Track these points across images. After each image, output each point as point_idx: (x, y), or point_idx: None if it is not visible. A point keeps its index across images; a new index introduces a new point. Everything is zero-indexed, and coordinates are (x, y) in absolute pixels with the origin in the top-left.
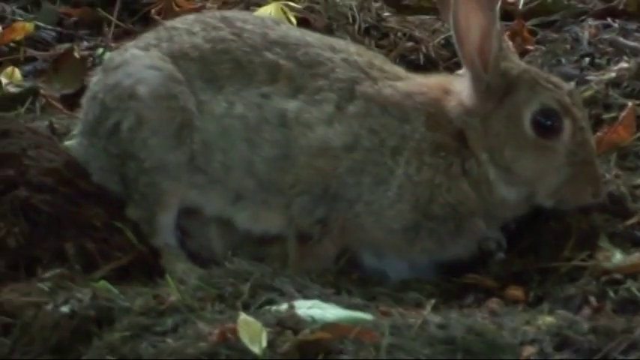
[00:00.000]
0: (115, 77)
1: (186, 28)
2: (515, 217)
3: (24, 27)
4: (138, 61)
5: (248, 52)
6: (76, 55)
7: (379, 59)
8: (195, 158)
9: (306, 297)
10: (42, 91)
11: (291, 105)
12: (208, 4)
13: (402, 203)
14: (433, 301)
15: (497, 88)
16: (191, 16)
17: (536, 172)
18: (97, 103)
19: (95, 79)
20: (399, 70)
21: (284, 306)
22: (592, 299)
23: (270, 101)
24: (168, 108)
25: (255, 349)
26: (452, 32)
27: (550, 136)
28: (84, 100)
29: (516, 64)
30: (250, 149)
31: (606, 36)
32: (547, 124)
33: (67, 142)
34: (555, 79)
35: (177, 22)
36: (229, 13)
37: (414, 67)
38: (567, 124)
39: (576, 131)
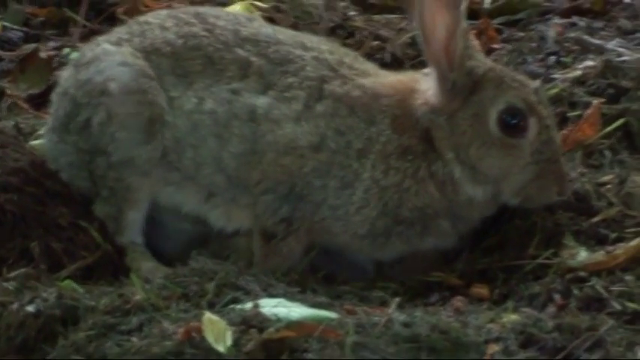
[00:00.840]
0: (86, 73)
1: (159, 23)
2: (483, 217)
3: None
4: (109, 57)
5: (219, 48)
6: (43, 55)
7: (350, 57)
8: (168, 154)
9: (271, 295)
10: (8, 91)
11: (261, 101)
12: (175, 4)
13: (368, 209)
14: (398, 300)
15: (463, 87)
16: (164, 11)
17: (502, 170)
18: (68, 99)
19: (66, 75)
20: (370, 68)
21: (249, 305)
22: (557, 297)
23: (240, 97)
24: (137, 102)
25: (220, 348)
26: (417, 31)
27: (516, 135)
28: (54, 96)
29: (482, 62)
30: (220, 145)
31: (572, 34)
32: (512, 122)
33: (33, 142)
34: (521, 77)
35: (150, 17)
36: (202, 9)
37: (380, 65)
38: (533, 122)
39: (542, 130)
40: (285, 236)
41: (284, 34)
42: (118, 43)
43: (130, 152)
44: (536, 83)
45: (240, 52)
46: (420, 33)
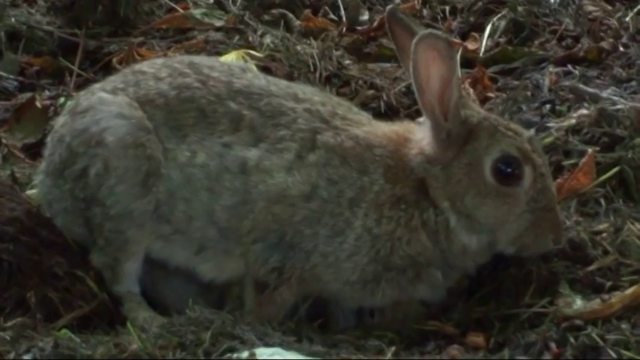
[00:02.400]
0: (82, 122)
1: (153, 73)
2: (476, 265)
3: None
4: (106, 107)
5: (212, 101)
6: (38, 104)
7: (343, 107)
8: (160, 207)
9: (267, 344)
10: (4, 141)
11: (252, 153)
12: (169, 54)
13: (359, 256)
14: (394, 348)
15: (458, 136)
16: (159, 60)
17: (498, 219)
18: (64, 147)
19: (62, 121)
20: (363, 118)
21: (245, 354)
22: (553, 345)
23: (232, 150)
24: (135, 157)
25: None
26: (412, 81)
27: (511, 184)
28: (49, 140)
29: (476, 111)
30: (211, 198)
31: (566, 83)
32: (507, 171)
33: (29, 192)
34: (515, 126)
35: (145, 66)
36: (197, 59)
37: (375, 114)
38: (528, 171)
39: (537, 178)
40: (278, 286)
41: (277, 85)
42: (113, 92)
43: (128, 206)
44: (531, 132)
45: (232, 105)
46: (414, 83)
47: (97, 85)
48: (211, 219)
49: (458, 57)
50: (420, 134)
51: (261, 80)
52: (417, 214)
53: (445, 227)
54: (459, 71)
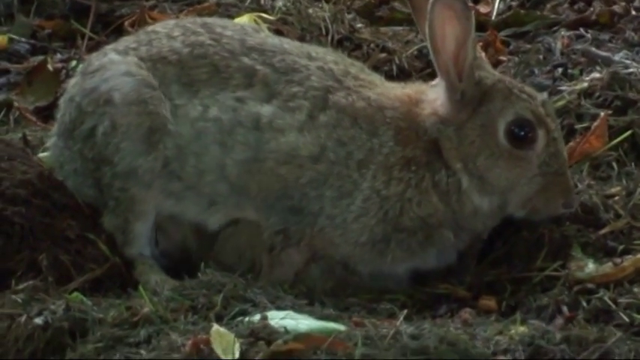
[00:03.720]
0: (92, 82)
1: (166, 33)
2: (487, 228)
3: None
4: (115, 66)
5: (226, 57)
6: (50, 67)
7: (356, 67)
8: (170, 164)
9: (279, 308)
10: (15, 104)
11: (265, 109)
12: (182, 17)
13: (367, 217)
14: (406, 312)
15: (472, 98)
16: (172, 21)
17: (509, 181)
18: (74, 107)
19: (73, 82)
20: (375, 79)
21: (257, 317)
22: (565, 309)
23: (245, 105)
24: (137, 113)
25: None
26: (427, 41)
27: (524, 147)
28: (61, 102)
29: (491, 73)
30: (223, 152)
31: (579, 46)
32: (521, 134)
33: (41, 154)
34: (529, 89)
35: (158, 27)
36: (210, 20)
37: (387, 77)
38: (541, 134)
39: (549, 142)
40: (285, 247)
41: (290, 44)
42: (125, 52)
43: (132, 163)
44: (544, 95)
45: (246, 60)
46: (430, 43)
47: (109, 46)
48: (222, 173)
49: (473, 18)
50: (433, 95)
51: (274, 39)
52: (429, 176)
53: (457, 189)
54: (474, 32)
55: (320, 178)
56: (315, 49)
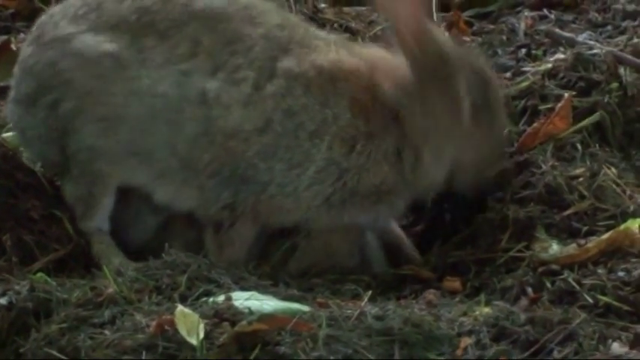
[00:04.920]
0: (49, 55)
1: None
2: (434, 195)
3: None
4: (70, 43)
5: (170, 25)
6: (14, 47)
7: (301, 30)
8: (128, 142)
9: (244, 288)
10: None
11: (211, 84)
12: None
13: (323, 185)
14: (370, 293)
15: (432, 69)
16: None
17: (463, 151)
18: (33, 78)
19: (29, 51)
20: (321, 43)
21: (221, 297)
22: (529, 290)
23: (190, 79)
24: (97, 94)
25: (193, 341)
26: (387, 21)
27: (478, 117)
28: (16, 69)
29: (452, 47)
30: (173, 129)
31: (542, 27)
32: (477, 105)
33: (4, 134)
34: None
35: None
36: None
37: None
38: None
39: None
40: (233, 223)
41: (236, 4)
42: (74, 19)
43: (96, 142)
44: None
45: (189, 29)
46: (388, 17)
47: (56, 10)
48: (173, 150)
49: None
50: (393, 65)
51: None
52: (389, 148)
53: (415, 160)
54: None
55: (267, 150)
56: (260, 12)
